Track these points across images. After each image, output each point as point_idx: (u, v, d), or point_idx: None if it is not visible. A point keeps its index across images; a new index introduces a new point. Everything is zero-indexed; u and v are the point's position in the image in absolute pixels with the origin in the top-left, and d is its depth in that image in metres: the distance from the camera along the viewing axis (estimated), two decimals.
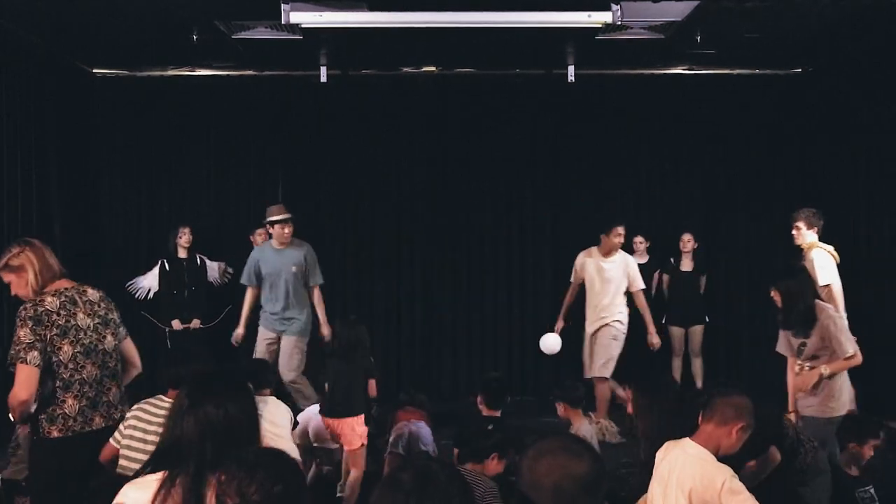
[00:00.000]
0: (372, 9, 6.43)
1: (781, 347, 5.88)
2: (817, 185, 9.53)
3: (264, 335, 7.96)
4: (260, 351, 7.88)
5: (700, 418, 3.66)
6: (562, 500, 2.19)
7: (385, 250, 9.78)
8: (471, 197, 9.76)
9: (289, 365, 7.76)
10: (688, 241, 9.16)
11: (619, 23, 6.57)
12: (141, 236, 9.71)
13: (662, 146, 9.91)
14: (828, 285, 7.05)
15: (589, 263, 8.19)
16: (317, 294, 8.00)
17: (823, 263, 7.16)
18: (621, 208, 9.87)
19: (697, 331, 9.14)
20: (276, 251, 7.95)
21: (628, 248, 9.39)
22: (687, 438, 3.63)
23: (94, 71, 9.42)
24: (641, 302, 8.19)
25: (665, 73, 9.59)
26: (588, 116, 9.77)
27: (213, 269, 8.94)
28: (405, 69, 9.44)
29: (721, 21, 7.24)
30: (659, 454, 3.73)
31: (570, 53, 8.39)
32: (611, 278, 8.09)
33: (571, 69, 8.62)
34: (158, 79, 9.54)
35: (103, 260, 9.62)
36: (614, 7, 6.38)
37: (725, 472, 3.49)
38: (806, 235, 7.38)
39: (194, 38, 7.55)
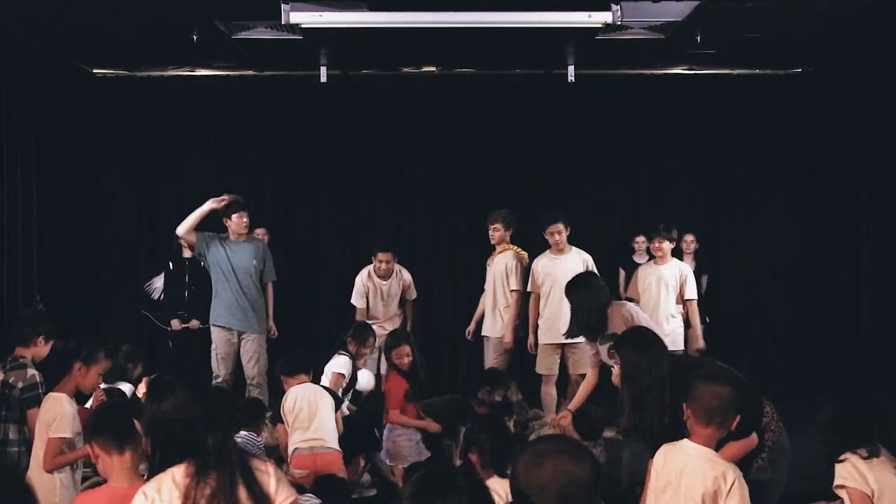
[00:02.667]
0: (372, 9, 6.43)
1: (591, 363, 5.80)
2: (817, 185, 9.53)
3: (224, 335, 7.67)
4: (223, 352, 7.62)
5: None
6: (570, 502, 2.20)
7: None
8: (471, 197, 9.76)
9: (258, 365, 7.61)
10: (690, 242, 9.13)
11: (619, 23, 6.57)
12: (141, 236, 9.70)
13: (662, 146, 9.90)
14: (516, 290, 7.46)
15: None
16: (271, 289, 7.86)
17: (513, 267, 7.50)
18: (621, 208, 9.88)
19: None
20: (234, 245, 7.72)
21: (629, 247, 9.40)
22: (685, 440, 3.61)
23: (94, 71, 9.41)
24: None
25: (665, 73, 9.58)
26: (588, 116, 9.77)
27: None
28: (405, 69, 9.44)
29: (721, 21, 7.23)
30: (658, 460, 3.69)
31: (570, 53, 8.39)
32: None
33: (571, 69, 8.62)
34: (158, 79, 9.53)
35: (103, 260, 9.62)
36: (614, 7, 6.37)
37: (736, 472, 3.47)
38: (504, 236, 7.64)
39: (194, 38, 7.55)
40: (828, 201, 9.28)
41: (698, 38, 7.66)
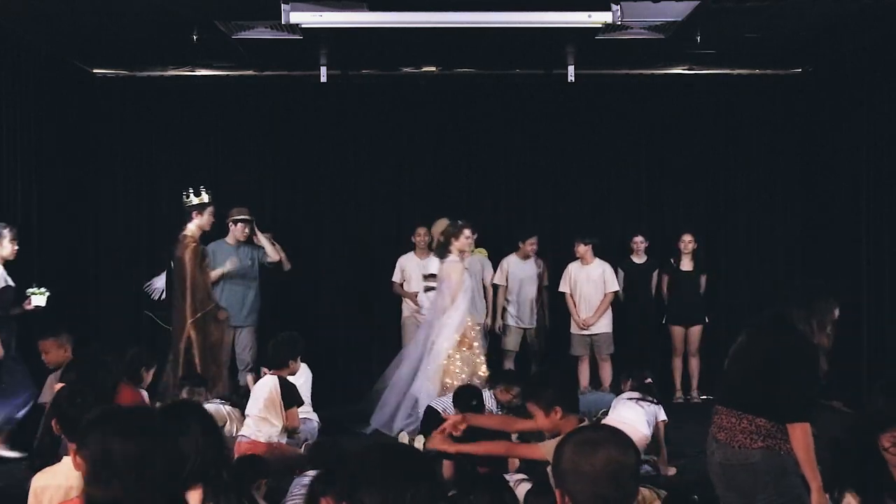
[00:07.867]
0: (372, 9, 6.44)
1: None
2: (817, 185, 9.53)
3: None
4: (227, 342, 8.31)
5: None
6: (619, 488, 2.31)
7: (385, 250, 9.78)
8: (471, 197, 9.76)
9: (251, 352, 8.48)
10: (688, 242, 9.14)
11: (619, 23, 6.58)
12: (141, 236, 9.70)
13: (662, 146, 9.90)
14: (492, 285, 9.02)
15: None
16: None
17: (486, 266, 8.99)
18: (621, 208, 9.88)
19: (696, 331, 9.14)
20: (232, 247, 8.45)
21: (628, 247, 9.41)
22: None
23: (94, 71, 9.42)
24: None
25: (665, 73, 9.58)
26: (588, 116, 9.77)
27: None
28: (405, 69, 9.44)
29: (721, 21, 7.24)
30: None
31: (570, 53, 8.39)
32: None
33: (571, 69, 8.62)
34: (158, 79, 9.54)
35: (103, 260, 9.62)
36: (614, 7, 6.38)
37: None
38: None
39: (194, 38, 7.55)
40: (828, 201, 9.28)
41: (698, 38, 7.66)
